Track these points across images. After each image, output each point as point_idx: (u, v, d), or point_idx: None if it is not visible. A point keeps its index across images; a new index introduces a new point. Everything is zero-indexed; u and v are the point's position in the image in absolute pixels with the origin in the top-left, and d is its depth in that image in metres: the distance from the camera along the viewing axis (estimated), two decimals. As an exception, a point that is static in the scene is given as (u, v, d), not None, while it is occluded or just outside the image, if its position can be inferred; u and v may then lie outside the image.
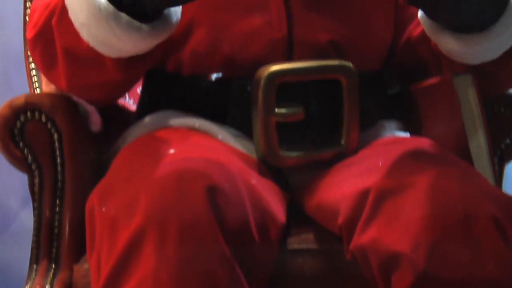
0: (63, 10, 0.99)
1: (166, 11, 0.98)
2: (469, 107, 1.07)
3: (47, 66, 1.08)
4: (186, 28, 1.09)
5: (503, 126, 1.19)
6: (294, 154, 1.07)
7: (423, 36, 1.13)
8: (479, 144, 1.07)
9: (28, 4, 1.31)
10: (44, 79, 1.25)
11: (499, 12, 1.01)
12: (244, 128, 1.09)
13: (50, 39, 1.03)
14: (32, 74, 1.29)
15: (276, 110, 1.05)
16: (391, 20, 1.19)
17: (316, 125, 1.09)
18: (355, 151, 1.09)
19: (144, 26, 0.94)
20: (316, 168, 1.09)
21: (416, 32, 1.17)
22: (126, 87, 1.14)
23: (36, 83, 1.28)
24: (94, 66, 1.02)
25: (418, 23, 1.15)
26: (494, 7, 1.01)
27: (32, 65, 1.29)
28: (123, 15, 0.94)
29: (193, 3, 0.97)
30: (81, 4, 0.95)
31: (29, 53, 1.28)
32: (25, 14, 1.31)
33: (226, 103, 1.09)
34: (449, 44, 1.04)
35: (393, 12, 1.19)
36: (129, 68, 1.01)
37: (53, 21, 1.01)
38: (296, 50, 1.10)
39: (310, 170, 1.10)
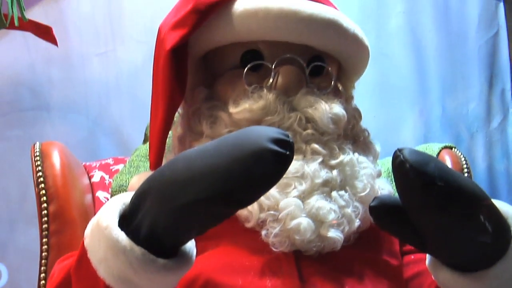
0: (82, 254, 1.01)
1: (181, 250, 1.00)
2: None
3: None
4: None
5: None
6: None
7: None
8: None
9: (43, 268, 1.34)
10: None
11: (503, 249, 1.01)
12: None
13: None
14: None
15: None
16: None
17: None
18: None
19: (159, 260, 0.96)
20: None
21: None
22: None
23: None
24: None
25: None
26: (498, 244, 1.01)
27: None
28: (140, 248, 0.95)
29: (208, 266, 1.01)
30: (100, 240, 0.98)
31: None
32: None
33: None
34: (458, 284, 1.03)
35: (403, 281, 1.23)
36: None
37: (72, 270, 1.03)
38: None
39: None
